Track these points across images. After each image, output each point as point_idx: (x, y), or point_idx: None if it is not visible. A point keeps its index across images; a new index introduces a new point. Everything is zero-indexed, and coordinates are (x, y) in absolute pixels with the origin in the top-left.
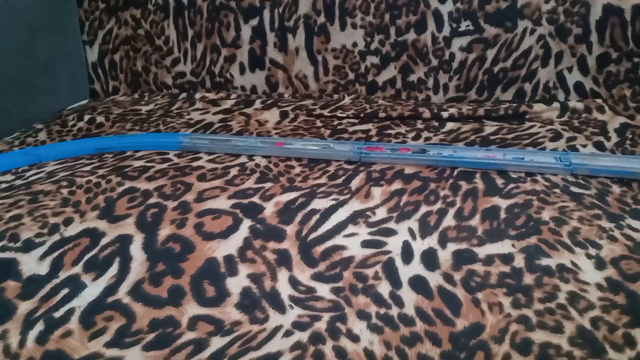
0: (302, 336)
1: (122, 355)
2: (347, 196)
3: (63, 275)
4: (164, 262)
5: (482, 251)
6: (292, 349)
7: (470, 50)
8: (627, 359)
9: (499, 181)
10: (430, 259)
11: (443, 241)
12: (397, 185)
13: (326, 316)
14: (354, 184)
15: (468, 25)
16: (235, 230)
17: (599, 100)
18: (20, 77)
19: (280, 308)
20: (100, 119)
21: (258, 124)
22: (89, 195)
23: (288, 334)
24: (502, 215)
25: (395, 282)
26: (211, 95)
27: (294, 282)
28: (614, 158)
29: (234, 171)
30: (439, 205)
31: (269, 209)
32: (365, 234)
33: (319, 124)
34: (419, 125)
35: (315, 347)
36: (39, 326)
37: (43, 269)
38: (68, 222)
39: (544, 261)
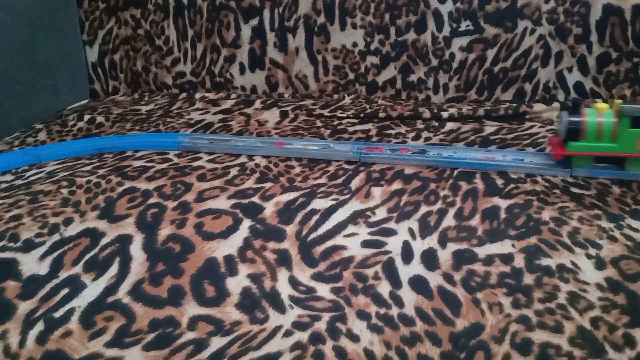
0: (302, 336)
1: (122, 355)
2: (347, 196)
3: (63, 275)
4: (164, 262)
5: (482, 251)
6: (292, 349)
7: (470, 50)
8: (627, 359)
9: (499, 181)
10: (430, 259)
11: (443, 241)
12: (397, 185)
13: (326, 316)
14: (354, 184)
15: (468, 25)
16: (235, 230)
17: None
18: (20, 76)
19: (280, 308)
20: (100, 119)
21: (258, 124)
22: (89, 195)
23: (288, 334)
24: (502, 215)
25: (395, 282)
26: (211, 95)
27: (294, 282)
28: None
29: (234, 171)
30: (439, 205)
31: (269, 209)
32: (365, 234)
33: (319, 124)
34: (419, 125)
35: (315, 347)
36: (39, 326)
37: (43, 269)
38: (68, 222)
39: (544, 261)
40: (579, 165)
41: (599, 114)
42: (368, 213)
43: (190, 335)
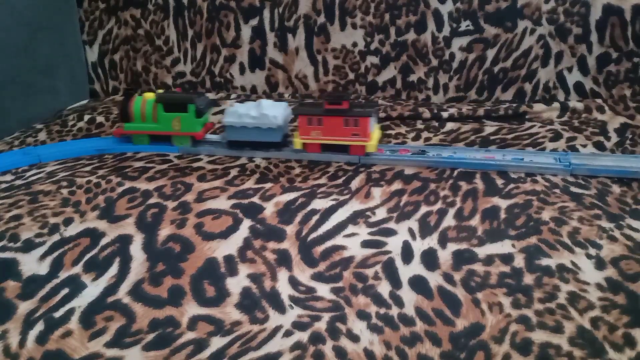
0: (302, 336)
1: (122, 355)
2: (347, 196)
3: (63, 275)
4: (164, 262)
5: (482, 251)
6: (292, 349)
7: (470, 50)
8: (627, 359)
9: (499, 181)
10: (430, 259)
11: (443, 241)
12: (397, 185)
13: (326, 316)
14: (354, 184)
15: (468, 25)
16: (235, 230)
17: (599, 100)
18: (20, 77)
19: (280, 308)
20: (100, 119)
21: None
22: (89, 196)
23: (288, 334)
24: (502, 215)
25: (395, 282)
26: (211, 95)
27: (294, 282)
28: (613, 158)
29: (234, 172)
30: (439, 205)
31: (269, 209)
32: (365, 234)
33: None
34: (419, 125)
35: (315, 347)
36: (39, 326)
37: (43, 269)
38: (68, 222)
39: (544, 261)
40: (138, 142)
41: (144, 100)
42: (368, 213)
43: (190, 335)
